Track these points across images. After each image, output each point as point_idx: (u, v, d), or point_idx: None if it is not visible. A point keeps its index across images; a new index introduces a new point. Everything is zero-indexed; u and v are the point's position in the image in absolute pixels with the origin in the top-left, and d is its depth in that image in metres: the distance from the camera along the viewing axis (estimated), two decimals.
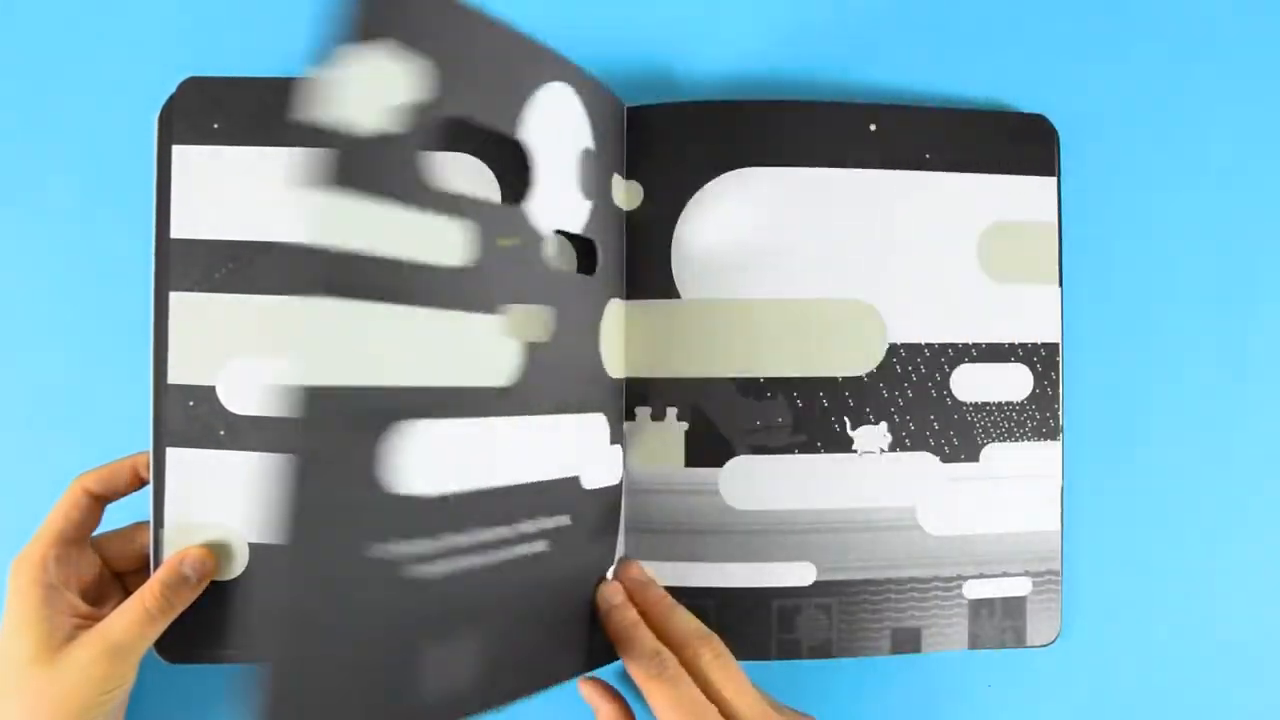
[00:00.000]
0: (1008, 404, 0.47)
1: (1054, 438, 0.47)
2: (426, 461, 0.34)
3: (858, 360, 0.46)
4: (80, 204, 0.48)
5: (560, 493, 0.41)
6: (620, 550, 0.45)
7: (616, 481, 0.45)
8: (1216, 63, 0.51)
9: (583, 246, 0.43)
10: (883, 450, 0.46)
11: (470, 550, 0.36)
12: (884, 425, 0.46)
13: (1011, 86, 0.50)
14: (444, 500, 0.35)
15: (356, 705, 0.33)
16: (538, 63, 0.39)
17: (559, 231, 0.41)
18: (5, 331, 0.48)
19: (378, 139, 0.32)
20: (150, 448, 0.44)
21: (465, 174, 0.39)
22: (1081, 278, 0.49)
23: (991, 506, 0.47)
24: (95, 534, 0.43)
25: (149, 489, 0.44)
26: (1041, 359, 0.47)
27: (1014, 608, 0.47)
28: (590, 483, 0.43)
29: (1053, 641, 0.47)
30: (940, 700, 0.48)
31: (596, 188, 0.43)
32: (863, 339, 0.46)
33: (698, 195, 0.46)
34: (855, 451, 0.46)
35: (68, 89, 0.49)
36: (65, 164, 0.48)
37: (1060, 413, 0.48)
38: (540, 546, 0.39)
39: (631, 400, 0.46)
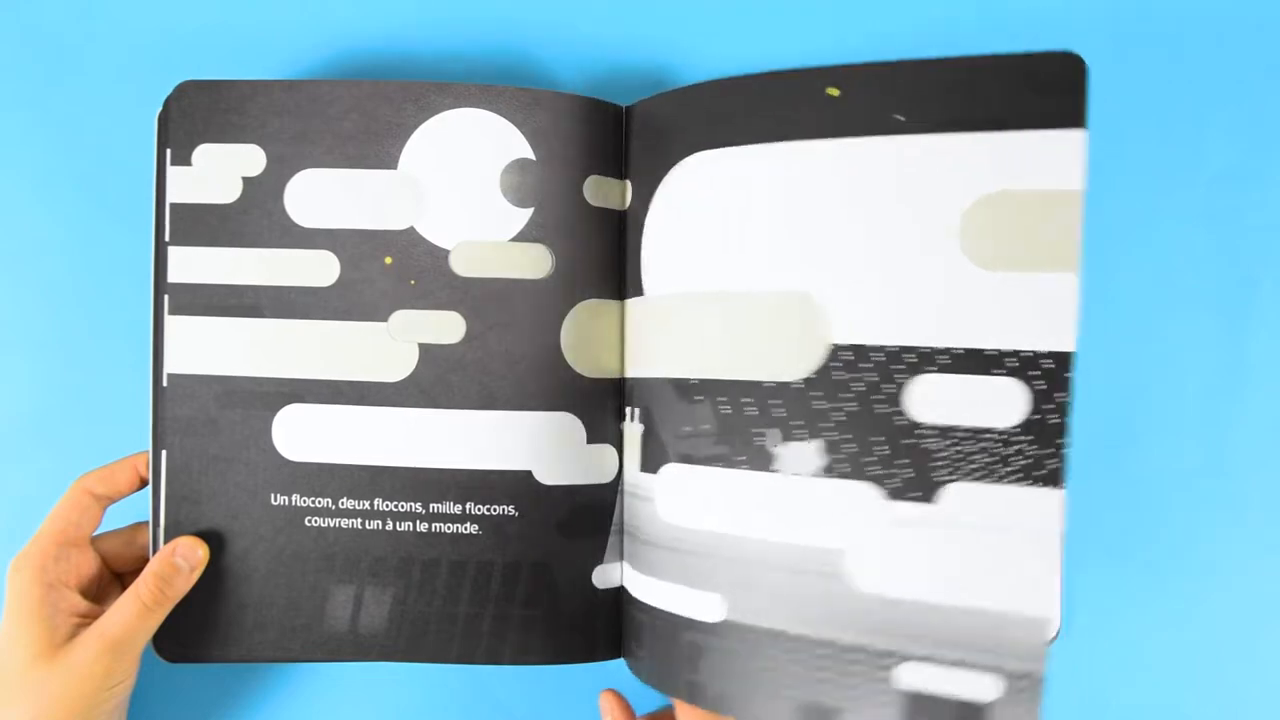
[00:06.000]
0: (985, 431, 0.35)
1: (1053, 483, 0.33)
2: (315, 435, 0.43)
3: (790, 363, 0.38)
4: (80, 204, 0.48)
5: (505, 484, 0.43)
6: (617, 550, 0.44)
7: (601, 481, 0.44)
8: None
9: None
10: (812, 474, 0.37)
11: (376, 515, 0.43)
12: (816, 443, 0.37)
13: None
14: (337, 468, 0.43)
15: (274, 626, 0.43)
16: (417, 100, 0.44)
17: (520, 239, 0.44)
18: (5, 331, 0.49)
19: (235, 204, 0.43)
20: (150, 448, 0.43)
21: (330, 212, 0.44)
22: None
23: (951, 566, 0.34)
24: (95, 534, 0.43)
25: (149, 489, 0.43)
26: (1045, 373, 0.34)
27: (971, 717, 0.33)
28: (549, 479, 0.43)
29: None
30: None
31: (545, 193, 0.44)
32: (797, 337, 0.38)
33: (660, 189, 0.43)
34: (778, 471, 0.38)
35: (67, 89, 0.49)
36: (65, 164, 0.49)
37: (1066, 449, 0.33)
38: (472, 529, 0.43)
39: (624, 401, 0.45)
